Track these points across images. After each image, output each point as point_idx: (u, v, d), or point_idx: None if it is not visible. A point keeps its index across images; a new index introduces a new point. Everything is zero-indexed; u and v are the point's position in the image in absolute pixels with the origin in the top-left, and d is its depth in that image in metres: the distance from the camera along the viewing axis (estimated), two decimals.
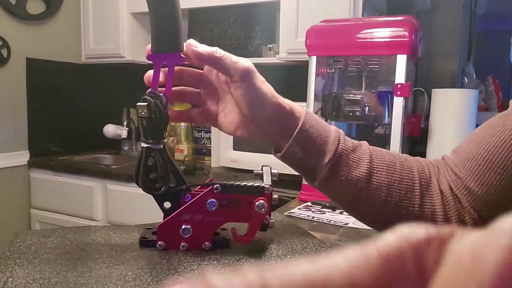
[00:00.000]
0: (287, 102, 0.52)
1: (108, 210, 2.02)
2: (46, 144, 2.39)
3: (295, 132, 0.50)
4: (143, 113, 0.48)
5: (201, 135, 2.22)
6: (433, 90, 1.33)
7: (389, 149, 0.87)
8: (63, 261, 0.47)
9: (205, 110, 0.56)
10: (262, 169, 0.56)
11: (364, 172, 0.51)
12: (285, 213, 1.02)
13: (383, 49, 1.11)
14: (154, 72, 0.49)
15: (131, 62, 2.34)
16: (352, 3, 1.72)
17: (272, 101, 0.50)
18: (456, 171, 0.52)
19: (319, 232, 0.87)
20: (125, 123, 2.54)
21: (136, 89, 2.78)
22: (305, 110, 0.53)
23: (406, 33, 1.06)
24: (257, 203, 0.51)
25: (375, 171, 0.51)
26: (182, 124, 2.32)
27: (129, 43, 2.33)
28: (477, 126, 1.42)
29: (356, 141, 0.54)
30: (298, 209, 1.07)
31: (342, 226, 0.92)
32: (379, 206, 0.52)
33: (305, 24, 1.53)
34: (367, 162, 0.52)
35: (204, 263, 0.48)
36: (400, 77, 1.08)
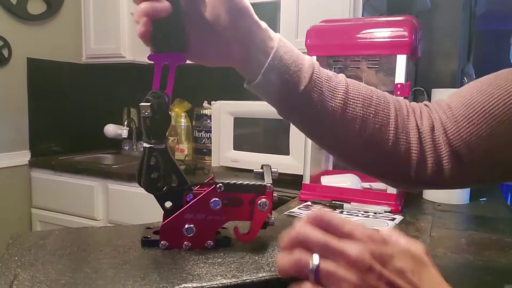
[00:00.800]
0: (263, 23, 0.50)
1: (109, 210, 2.02)
2: (47, 144, 2.39)
3: (270, 56, 0.48)
4: (146, 113, 0.49)
5: (201, 134, 2.22)
6: (433, 90, 1.33)
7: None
8: (66, 262, 0.47)
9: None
10: (262, 168, 0.56)
11: (339, 102, 0.50)
12: (285, 213, 1.02)
13: (383, 49, 1.12)
14: (155, 72, 0.49)
15: (131, 62, 2.35)
16: (352, 3, 1.72)
17: (252, 16, 0.48)
18: (450, 114, 0.52)
19: None
20: (125, 123, 2.55)
21: (137, 88, 2.80)
22: (279, 35, 0.51)
23: (406, 33, 1.07)
24: (259, 201, 0.51)
25: (351, 102, 0.50)
26: (183, 124, 2.32)
27: (130, 43, 2.33)
28: None
29: (331, 72, 0.53)
30: (298, 208, 1.07)
31: None
32: (353, 139, 0.51)
33: (305, 24, 1.53)
34: (343, 92, 0.50)
35: (209, 261, 0.49)
36: (400, 77, 1.08)
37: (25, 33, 2.23)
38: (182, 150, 2.28)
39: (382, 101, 0.52)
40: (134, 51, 2.36)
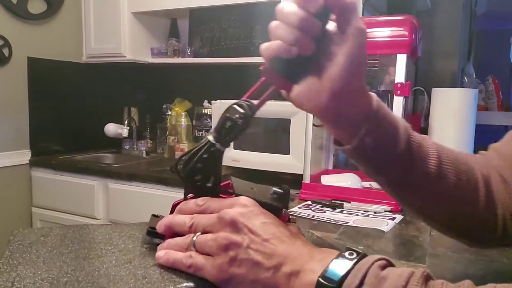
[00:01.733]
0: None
1: (109, 209, 2.03)
2: (47, 143, 2.39)
3: (369, 119, 0.45)
4: (234, 116, 0.47)
5: (201, 134, 2.22)
6: (433, 89, 1.33)
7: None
8: (68, 260, 0.47)
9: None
10: (281, 188, 0.54)
11: (433, 166, 0.48)
12: None
13: (383, 48, 1.12)
14: (256, 84, 0.48)
15: (132, 61, 2.35)
16: None
17: (364, 71, 0.45)
18: (502, 174, 0.52)
19: (319, 231, 0.87)
20: (126, 122, 2.55)
21: (137, 88, 2.79)
22: (374, 94, 0.48)
23: (406, 33, 1.07)
24: None
25: (444, 168, 0.49)
26: (183, 123, 2.33)
27: (130, 43, 2.33)
28: (477, 126, 1.42)
29: (421, 135, 0.50)
30: (299, 207, 1.08)
31: (342, 225, 0.93)
32: (445, 203, 0.50)
33: None
34: (435, 156, 0.48)
35: None
36: (400, 76, 1.08)
37: (25, 32, 2.24)
38: (183, 149, 2.28)
39: (469, 165, 0.51)
40: (135, 50, 2.36)
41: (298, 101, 0.47)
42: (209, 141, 0.48)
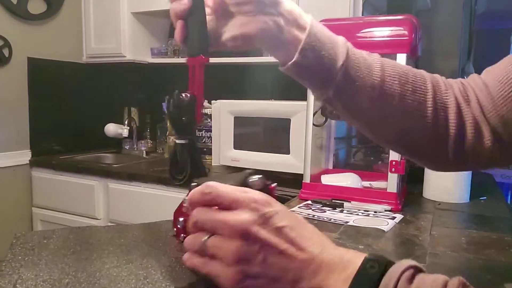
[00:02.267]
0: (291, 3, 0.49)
1: (109, 209, 2.03)
2: (47, 143, 2.39)
3: (306, 33, 0.48)
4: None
5: (201, 134, 2.22)
6: None
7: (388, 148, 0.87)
8: (70, 262, 0.47)
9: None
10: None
11: (377, 79, 0.49)
12: None
13: (383, 48, 1.12)
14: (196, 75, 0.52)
15: (132, 62, 2.35)
16: (352, 2, 1.72)
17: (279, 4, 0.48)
18: (486, 92, 0.51)
19: (319, 230, 0.87)
20: (126, 122, 2.55)
21: (137, 88, 2.79)
22: (309, 15, 0.50)
23: (406, 32, 1.07)
24: None
25: (388, 79, 0.49)
26: None
27: (130, 43, 2.33)
28: None
29: (364, 50, 0.52)
30: (299, 207, 1.08)
31: (342, 225, 0.93)
32: (391, 117, 0.50)
33: None
34: (379, 69, 0.49)
35: None
36: None
37: (25, 32, 2.24)
38: None
39: (419, 78, 0.51)
40: (135, 50, 2.36)
41: (232, 46, 0.50)
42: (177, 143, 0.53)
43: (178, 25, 0.49)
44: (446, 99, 0.51)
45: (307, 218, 0.98)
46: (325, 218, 0.98)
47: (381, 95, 0.49)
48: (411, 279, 0.33)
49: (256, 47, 0.50)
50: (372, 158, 1.47)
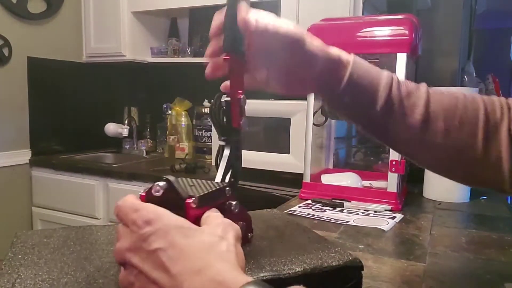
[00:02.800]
0: (335, 52, 0.50)
1: (109, 209, 2.03)
2: (47, 143, 2.39)
3: (343, 83, 0.49)
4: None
5: (202, 133, 2.22)
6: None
7: (389, 147, 0.87)
8: (69, 261, 0.47)
9: (251, 73, 0.53)
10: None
11: (418, 119, 0.49)
12: (286, 211, 1.03)
13: (383, 47, 1.12)
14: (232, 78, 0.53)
15: (132, 61, 2.35)
16: (352, 1, 1.72)
17: (321, 57, 0.49)
18: None
19: (320, 230, 0.87)
20: (126, 122, 2.55)
21: (137, 87, 2.79)
22: (352, 57, 0.51)
23: (406, 32, 1.07)
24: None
25: (432, 116, 0.49)
26: (183, 123, 2.33)
27: (130, 42, 2.33)
28: None
29: (413, 84, 0.52)
30: (299, 207, 1.08)
31: (343, 224, 0.93)
32: (437, 152, 0.50)
33: (305, 22, 1.53)
34: (422, 107, 0.49)
35: None
36: (400, 75, 1.08)
37: (25, 32, 2.24)
38: (183, 148, 2.28)
39: (470, 109, 0.50)
40: (135, 50, 2.36)
41: (270, 88, 0.53)
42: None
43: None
44: (500, 127, 0.49)
45: (307, 218, 0.98)
46: (325, 218, 0.98)
47: (423, 134, 0.49)
48: None
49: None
50: (372, 158, 1.48)
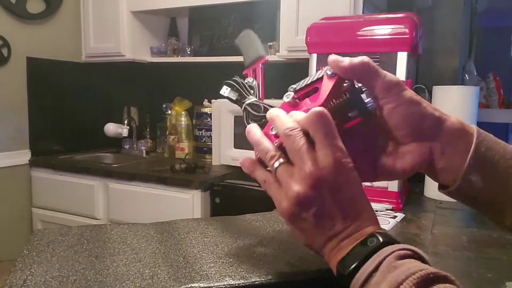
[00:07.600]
0: (453, 117, 0.41)
1: (109, 209, 2.02)
2: (47, 143, 2.39)
3: (470, 153, 0.39)
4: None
5: (202, 133, 2.22)
6: (434, 87, 1.32)
7: None
8: (80, 259, 0.48)
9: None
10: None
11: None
12: None
13: (383, 46, 1.11)
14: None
15: (131, 61, 2.34)
16: (352, 0, 1.71)
17: (432, 113, 0.41)
18: None
19: None
20: (125, 122, 2.54)
21: (137, 87, 2.78)
22: (475, 127, 0.41)
23: (407, 30, 1.06)
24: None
25: None
26: (183, 122, 2.32)
27: (129, 42, 2.33)
28: (478, 123, 1.42)
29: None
30: None
31: None
32: None
33: (305, 21, 1.53)
34: None
35: (220, 261, 0.48)
36: (400, 74, 1.07)
37: (24, 32, 2.23)
38: (183, 148, 2.28)
39: None
40: (134, 49, 2.35)
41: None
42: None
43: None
44: None
45: None
46: None
47: None
48: (402, 258, 0.34)
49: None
50: None
